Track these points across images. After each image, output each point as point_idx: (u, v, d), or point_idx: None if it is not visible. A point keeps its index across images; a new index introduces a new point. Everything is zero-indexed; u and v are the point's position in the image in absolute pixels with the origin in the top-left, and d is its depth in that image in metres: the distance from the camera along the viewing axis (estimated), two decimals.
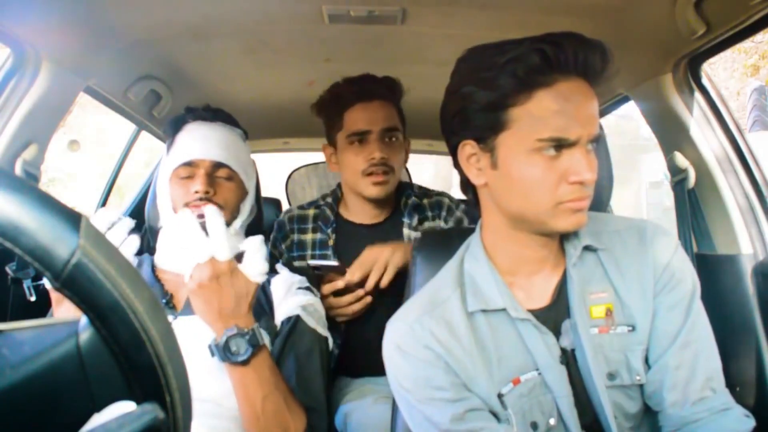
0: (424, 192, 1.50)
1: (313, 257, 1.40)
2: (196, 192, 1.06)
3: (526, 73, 0.71)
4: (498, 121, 0.75)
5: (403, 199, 1.43)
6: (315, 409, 1.02)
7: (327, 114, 1.39)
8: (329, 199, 1.47)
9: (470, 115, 0.77)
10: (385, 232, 1.40)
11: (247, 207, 1.16)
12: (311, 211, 1.46)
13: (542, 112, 0.72)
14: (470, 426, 0.77)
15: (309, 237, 1.42)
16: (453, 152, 0.83)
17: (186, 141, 1.11)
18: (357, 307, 1.28)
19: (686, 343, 0.80)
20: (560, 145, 0.73)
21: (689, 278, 0.83)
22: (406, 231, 1.39)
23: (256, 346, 0.93)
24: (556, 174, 0.74)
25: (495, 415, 0.79)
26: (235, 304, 0.94)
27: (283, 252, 1.45)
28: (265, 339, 1.04)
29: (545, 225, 0.77)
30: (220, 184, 1.10)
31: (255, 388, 0.94)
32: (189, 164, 1.09)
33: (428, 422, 0.79)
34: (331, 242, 1.39)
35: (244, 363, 0.93)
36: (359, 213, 1.42)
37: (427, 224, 1.44)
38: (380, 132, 1.33)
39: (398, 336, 0.82)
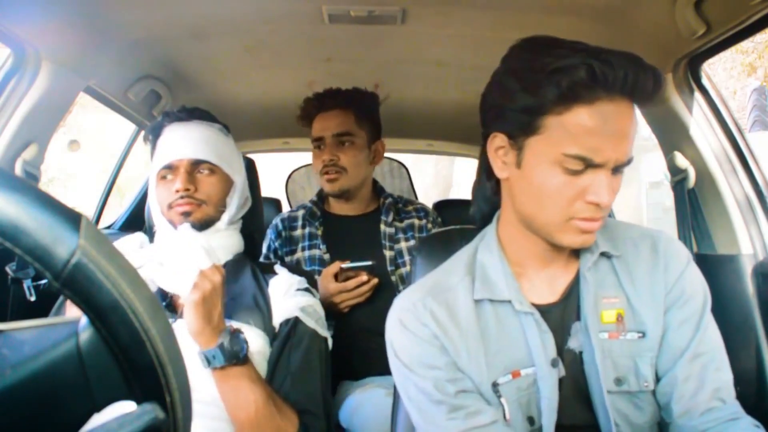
0: (408, 201, 1.71)
1: (303, 249, 1.58)
2: (177, 191, 1.07)
3: (569, 86, 0.69)
4: (531, 125, 0.74)
5: (382, 200, 1.64)
6: (311, 412, 1.02)
7: (305, 124, 1.63)
8: (315, 198, 1.67)
9: (506, 112, 0.76)
10: (366, 223, 1.59)
11: (235, 200, 1.15)
12: (300, 212, 1.64)
13: (576, 127, 0.71)
14: (460, 402, 0.78)
15: (299, 232, 1.61)
16: (484, 139, 0.83)
17: (165, 144, 1.12)
18: (366, 289, 1.44)
19: (695, 355, 0.80)
20: (586, 163, 0.72)
21: (700, 292, 0.83)
22: (382, 227, 1.58)
23: (246, 343, 0.95)
24: (575, 190, 0.73)
25: (487, 402, 0.80)
26: (223, 306, 0.97)
27: (277, 249, 1.60)
28: (255, 334, 1.04)
29: (551, 236, 0.78)
30: (201, 180, 1.11)
31: (248, 392, 0.94)
32: (170, 166, 1.10)
33: (421, 394, 0.80)
34: (319, 232, 1.57)
35: (245, 361, 0.94)
36: (341, 206, 1.62)
37: (407, 221, 1.63)
38: (332, 137, 1.53)
39: (401, 311, 0.84)
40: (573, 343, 0.82)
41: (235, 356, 0.93)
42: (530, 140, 0.75)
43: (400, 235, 1.57)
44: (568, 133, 0.71)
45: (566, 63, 0.69)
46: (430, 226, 1.62)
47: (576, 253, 0.85)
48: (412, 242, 1.57)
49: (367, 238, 1.56)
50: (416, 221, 1.62)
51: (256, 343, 1.03)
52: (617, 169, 0.74)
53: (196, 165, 1.11)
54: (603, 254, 0.84)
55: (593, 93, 0.70)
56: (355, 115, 1.54)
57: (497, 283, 0.83)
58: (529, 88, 0.73)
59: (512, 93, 0.75)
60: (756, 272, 1.18)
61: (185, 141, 1.11)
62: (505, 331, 0.82)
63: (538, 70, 0.72)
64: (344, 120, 1.53)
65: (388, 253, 1.54)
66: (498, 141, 0.80)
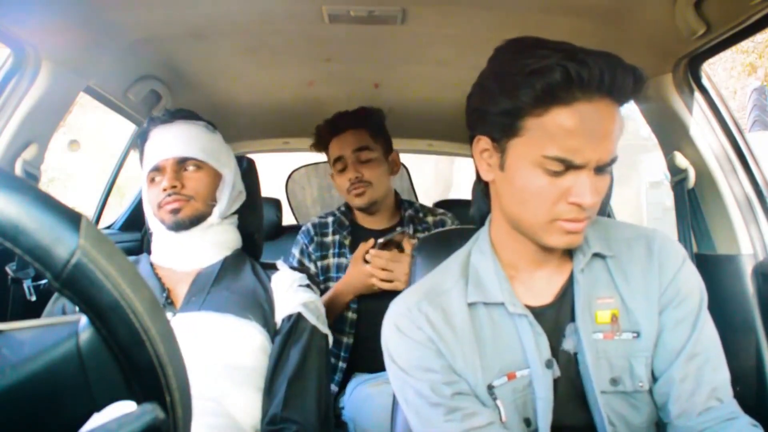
0: (428, 210, 1.77)
1: (333, 255, 1.67)
2: (164, 189, 1.09)
3: (543, 88, 0.70)
4: (511, 127, 0.74)
5: (402, 212, 1.71)
6: (300, 423, 1.01)
7: (319, 150, 1.72)
8: (343, 208, 1.75)
9: (488, 114, 0.77)
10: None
11: (225, 193, 1.16)
12: (329, 219, 1.73)
13: (555, 129, 0.71)
14: (456, 404, 0.78)
15: (330, 239, 1.69)
16: (470, 141, 0.84)
17: (151, 148, 1.14)
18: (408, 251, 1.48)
19: (692, 355, 0.79)
20: (566, 165, 0.72)
21: (696, 292, 0.83)
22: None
23: None
24: (557, 191, 0.73)
25: (483, 404, 0.80)
26: None
27: (311, 253, 1.67)
28: (255, 330, 1.04)
29: (537, 237, 0.78)
30: (187, 176, 1.12)
31: None
32: (157, 168, 1.12)
33: (418, 397, 0.80)
34: (347, 242, 1.65)
35: None
36: (366, 219, 1.70)
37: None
38: (352, 153, 1.60)
39: (397, 316, 0.84)
40: (567, 345, 0.82)
41: None
42: (511, 143, 0.75)
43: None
44: (547, 135, 0.71)
45: (541, 65, 0.69)
46: None
47: (570, 253, 0.85)
48: None
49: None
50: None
51: (257, 339, 1.03)
52: (601, 169, 0.74)
53: (182, 163, 1.12)
54: (596, 255, 0.84)
55: (570, 94, 0.70)
56: (369, 132, 1.63)
57: (490, 286, 0.83)
58: (507, 90, 0.73)
59: (493, 95, 0.75)
60: (756, 272, 1.18)
61: (169, 141, 1.13)
62: (500, 333, 0.82)
63: (516, 73, 0.72)
64: (360, 137, 1.62)
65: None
66: (482, 144, 0.80)
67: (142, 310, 0.36)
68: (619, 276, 0.83)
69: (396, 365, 0.83)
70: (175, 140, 1.13)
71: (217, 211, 1.14)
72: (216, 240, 1.14)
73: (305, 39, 1.43)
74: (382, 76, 1.76)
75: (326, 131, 1.66)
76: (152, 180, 1.13)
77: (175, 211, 1.08)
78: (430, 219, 1.70)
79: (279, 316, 1.08)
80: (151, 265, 1.14)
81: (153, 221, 1.15)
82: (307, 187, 2.78)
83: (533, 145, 0.73)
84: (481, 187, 0.89)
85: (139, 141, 1.18)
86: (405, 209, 1.72)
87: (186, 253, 1.12)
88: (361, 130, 1.63)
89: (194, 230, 1.11)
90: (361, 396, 1.47)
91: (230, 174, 1.18)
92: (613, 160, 0.74)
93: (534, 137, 0.73)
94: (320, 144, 1.70)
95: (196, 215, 1.11)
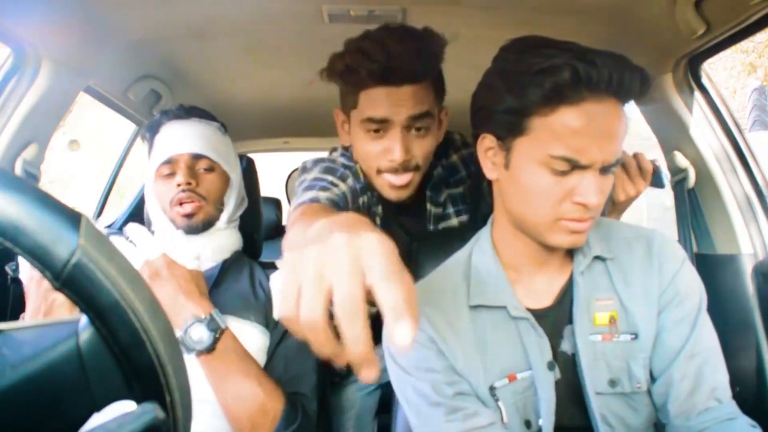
0: (445, 153, 1.23)
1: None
2: (179, 185, 1.07)
3: (552, 87, 0.69)
4: (517, 126, 0.74)
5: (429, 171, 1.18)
6: (302, 393, 1.01)
7: (339, 82, 1.10)
8: (359, 186, 1.16)
9: (494, 113, 0.77)
10: (412, 209, 1.19)
11: (232, 198, 1.16)
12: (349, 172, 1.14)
13: (561, 128, 0.71)
14: (458, 404, 0.78)
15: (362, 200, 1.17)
16: (474, 140, 0.84)
17: (163, 140, 1.12)
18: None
19: (691, 355, 0.80)
20: (572, 164, 0.72)
21: (696, 292, 0.83)
22: (428, 206, 1.20)
23: (217, 331, 0.94)
24: (562, 190, 0.73)
25: (484, 405, 0.80)
26: (183, 293, 0.95)
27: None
28: (257, 331, 1.04)
29: (541, 236, 0.78)
30: (201, 175, 1.11)
31: (224, 374, 0.94)
32: (169, 162, 1.10)
33: (419, 397, 0.80)
34: (379, 210, 1.19)
35: (209, 350, 0.93)
36: (384, 190, 1.13)
37: (456, 190, 1.22)
38: (405, 121, 1.02)
39: None
40: (565, 346, 0.82)
41: (195, 347, 0.93)
42: (517, 141, 0.75)
43: (450, 210, 1.19)
44: (554, 135, 0.71)
45: (550, 64, 0.69)
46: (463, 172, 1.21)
47: (570, 254, 0.85)
48: (461, 207, 1.18)
49: (413, 221, 1.20)
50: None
51: (258, 339, 1.03)
52: (606, 170, 0.74)
53: (195, 160, 1.11)
54: (596, 257, 0.84)
55: (578, 94, 0.70)
56: (433, 86, 1.04)
57: (492, 289, 0.83)
58: (514, 89, 0.73)
59: (499, 94, 0.75)
60: (756, 272, 1.18)
61: (185, 137, 1.12)
62: (501, 335, 0.82)
63: (523, 71, 0.72)
64: (421, 95, 1.01)
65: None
66: (487, 142, 0.80)
67: (142, 310, 0.36)
68: (619, 278, 0.83)
69: (397, 365, 0.83)
70: (189, 137, 1.12)
71: (224, 216, 1.13)
72: (219, 244, 1.13)
73: (305, 39, 1.43)
74: None
75: (367, 71, 0.99)
76: (162, 174, 1.11)
77: (189, 216, 1.08)
78: (454, 158, 1.22)
79: (276, 314, 1.08)
80: None
81: (160, 219, 1.13)
82: None
83: (539, 144, 0.73)
84: (484, 186, 0.89)
85: (149, 133, 1.17)
86: (433, 167, 1.19)
87: (188, 256, 1.12)
88: (425, 84, 1.02)
89: (201, 234, 1.11)
90: (359, 395, 1.47)
91: (237, 178, 1.18)
92: (618, 161, 0.74)
93: (540, 136, 0.72)
94: (344, 80, 1.07)
95: (208, 219, 1.10)
